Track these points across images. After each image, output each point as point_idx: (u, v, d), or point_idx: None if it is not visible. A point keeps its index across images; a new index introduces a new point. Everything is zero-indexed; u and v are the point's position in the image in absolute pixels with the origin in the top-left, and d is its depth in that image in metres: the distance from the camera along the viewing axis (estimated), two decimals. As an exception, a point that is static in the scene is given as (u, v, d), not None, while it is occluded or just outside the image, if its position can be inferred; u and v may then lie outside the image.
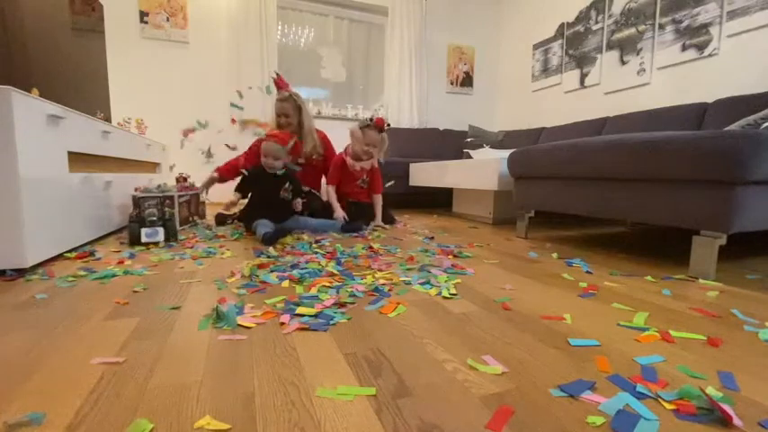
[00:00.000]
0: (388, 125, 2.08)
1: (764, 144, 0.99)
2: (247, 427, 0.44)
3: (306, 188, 1.93)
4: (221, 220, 2.10)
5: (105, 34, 2.17)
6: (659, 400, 0.50)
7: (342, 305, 0.84)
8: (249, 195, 1.87)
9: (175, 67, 3.13)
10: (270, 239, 1.50)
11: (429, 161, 2.91)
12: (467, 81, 4.11)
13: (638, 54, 2.66)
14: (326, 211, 2.01)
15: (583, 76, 3.11)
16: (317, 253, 1.36)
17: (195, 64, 3.18)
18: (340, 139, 2.29)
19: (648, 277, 1.12)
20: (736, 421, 0.45)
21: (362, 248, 1.45)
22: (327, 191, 2.09)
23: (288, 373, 0.56)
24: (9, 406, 0.47)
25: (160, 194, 1.65)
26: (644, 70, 2.63)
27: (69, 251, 1.36)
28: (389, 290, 0.95)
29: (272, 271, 1.11)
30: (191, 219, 1.99)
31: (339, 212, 1.97)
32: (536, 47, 3.60)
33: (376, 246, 1.50)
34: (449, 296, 0.91)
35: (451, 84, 4.05)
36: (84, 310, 0.81)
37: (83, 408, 0.47)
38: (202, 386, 0.52)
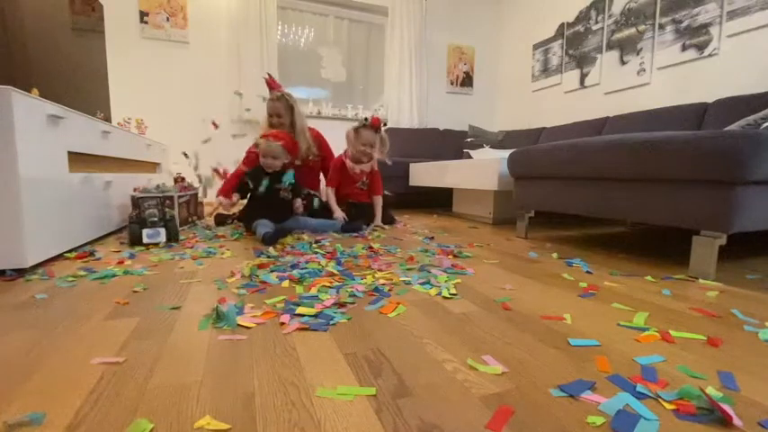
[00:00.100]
0: (384, 124, 2.07)
1: (764, 144, 0.99)
2: (247, 427, 0.44)
3: (305, 191, 1.92)
4: (221, 220, 2.10)
5: (105, 34, 2.18)
6: (659, 400, 0.50)
7: (342, 305, 0.84)
8: (249, 196, 1.87)
9: (175, 67, 3.13)
10: (270, 239, 1.50)
11: (429, 161, 2.91)
12: (467, 81, 4.11)
13: (638, 54, 2.66)
14: (326, 212, 2.01)
15: (583, 76, 3.11)
16: (317, 253, 1.36)
17: (195, 64, 3.18)
18: (340, 140, 2.28)
19: (648, 277, 1.12)
20: (736, 421, 0.45)
21: (362, 248, 1.45)
22: (327, 193, 2.08)
23: (288, 373, 0.56)
24: (9, 406, 0.47)
25: (160, 195, 1.64)
26: (644, 70, 2.63)
27: (69, 251, 1.36)
28: (389, 290, 0.95)
29: (272, 271, 1.11)
30: (190, 219, 1.99)
31: (339, 213, 1.97)
32: (536, 47, 3.59)
33: (376, 246, 1.50)
34: (449, 296, 0.91)
35: (451, 84, 4.05)
36: (84, 310, 0.81)
37: (83, 408, 0.47)
38: (202, 386, 0.52)
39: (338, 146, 2.29)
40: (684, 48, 2.37)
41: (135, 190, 1.66)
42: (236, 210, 2.04)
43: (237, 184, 1.85)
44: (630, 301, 0.90)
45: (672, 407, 0.48)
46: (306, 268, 1.14)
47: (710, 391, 0.51)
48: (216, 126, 2.36)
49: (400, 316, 0.79)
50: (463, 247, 1.55)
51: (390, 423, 0.45)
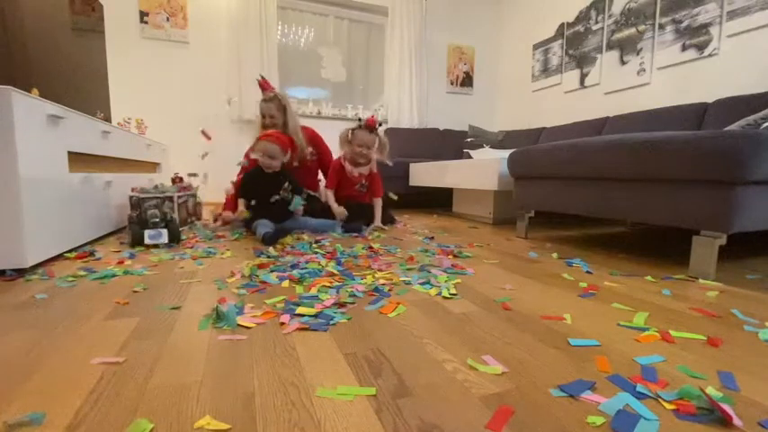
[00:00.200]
0: (380, 124, 2.02)
1: (764, 144, 0.99)
2: (247, 427, 0.44)
3: (305, 192, 1.92)
4: (216, 217, 2.10)
5: (105, 34, 2.18)
6: (659, 400, 0.50)
7: (342, 305, 0.84)
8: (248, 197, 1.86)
9: (175, 67, 3.13)
10: (270, 239, 1.50)
11: (429, 161, 2.91)
12: (467, 81, 4.11)
13: (638, 54, 2.66)
14: (326, 212, 2.01)
15: (583, 76, 3.11)
16: (317, 253, 1.36)
17: (195, 64, 3.18)
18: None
19: (648, 277, 1.12)
20: (736, 421, 0.45)
21: (362, 248, 1.45)
22: (326, 194, 2.07)
23: (288, 373, 0.56)
24: (9, 406, 0.47)
25: (160, 195, 1.63)
26: (644, 70, 2.63)
27: (69, 251, 1.36)
28: (389, 290, 0.95)
29: (272, 271, 1.11)
30: (189, 220, 1.98)
31: (339, 209, 1.96)
32: (536, 47, 3.59)
33: (376, 246, 1.50)
34: (449, 296, 0.91)
35: (451, 84, 4.05)
36: (84, 310, 0.81)
37: (83, 408, 0.47)
38: (202, 386, 0.52)
39: (338, 146, 2.28)
40: (684, 48, 2.37)
41: (133, 190, 1.63)
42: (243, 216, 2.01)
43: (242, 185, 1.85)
44: (630, 301, 0.90)
45: (672, 407, 0.48)
46: (306, 268, 1.14)
47: (710, 391, 0.51)
48: (208, 138, 2.34)
49: (400, 316, 0.79)
50: (463, 247, 1.55)
51: (390, 423, 0.45)
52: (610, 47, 2.86)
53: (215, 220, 2.08)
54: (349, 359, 0.60)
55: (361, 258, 1.30)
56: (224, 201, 2.03)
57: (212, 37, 3.20)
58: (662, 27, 2.50)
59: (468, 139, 3.46)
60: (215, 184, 3.11)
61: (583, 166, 1.41)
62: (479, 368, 0.58)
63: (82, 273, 1.10)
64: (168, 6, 3.06)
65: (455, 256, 1.37)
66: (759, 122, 1.46)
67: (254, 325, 0.73)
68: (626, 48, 2.74)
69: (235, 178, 2.10)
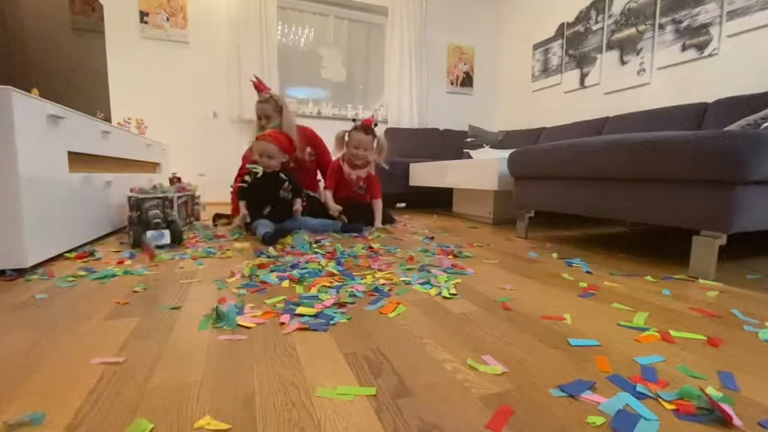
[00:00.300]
0: (376, 124, 1.99)
1: (764, 144, 0.99)
2: (247, 427, 0.44)
3: (304, 192, 1.92)
4: (220, 219, 2.10)
5: (105, 34, 2.18)
6: (659, 400, 0.50)
7: (342, 305, 0.84)
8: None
9: (175, 67, 3.14)
10: (270, 239, 1.50)
11: (429, 161, 2.91)
12: (467, 81, 4.11)
13: (638, 54, 2.66)
14: (325, 212, 2.00)
15: (583, 76, 3.11)
16: (317, 253, 1.36)
17: (195, 64, 3.18)
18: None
19: (648, 277, 1.12)
20: (736, 421, 0.45)
21: (362, 248, 1.45)
22: (325, 195, 2.05)
23: (288, 373, 0.56)
24: (9, 406, 0.47)
25: (161, 195, 1.62)
26: (644, 70, 2.63)
27: (69, 251, 1.36)
28: (389, 290, 0.95)
29: (272, 271, 1.11)
30: (188, 220, 1.97)
31: (333, 205, 1.93)
32: (536, 47, 3.60)
33: (376, 246, 1.50)
34: (449, 296, 0.91)
35: (451, 84, 4.06)
36: (84, 310, 0.81)
37: (83, 408, 0.47)
38: (202, 386, 0.52)
39: (333, 146, 2.27)
40: (684, 48, 2.37)
41: (132, 190, 1.61)
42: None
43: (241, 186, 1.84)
44: (630, 301, 0.90)
45: (672, 407, 0.48)
46: (306, 268, 1.14)
47: (710, 391, 0.51)
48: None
49: (400, 316, 0.79)
50: (463, 247, 1.55)
51: (390, 423, 0.45)
52: (610, 47, 2.87)
53: (214, 224, 2.08)
54: (349, 359, 0.60)
55: (361, 258, 1.30)
56: (231, 203, 2.01)
57: (212, 37, 3.20)
58: (662, 27, 2.50)
59: (469, 139, 3.46)
60: (215, 184, 3.12)
61: (583, 166, 1.41)
62: (479, 368, 0.58)
63: (82, 273, 1.09)
64: (168, 6, 3.06)
65: (455, 256, 1.37)
66: (759, 122, 1.46)
67: (254, 325, 0.73)
68: (626, 48, 2.74)
69: (234, 180, 2.10)
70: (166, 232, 1.46)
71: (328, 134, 2.32)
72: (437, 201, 3.16)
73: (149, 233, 1.43)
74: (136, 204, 1.54)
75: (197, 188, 2.15)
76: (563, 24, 3.28)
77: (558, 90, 3.38)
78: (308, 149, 2.15)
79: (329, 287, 0.96)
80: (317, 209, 1.99)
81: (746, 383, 0.54)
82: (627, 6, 2.72)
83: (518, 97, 3.90)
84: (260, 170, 1.75)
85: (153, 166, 2.52)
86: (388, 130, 3.67)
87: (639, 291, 0.99)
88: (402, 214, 2.76)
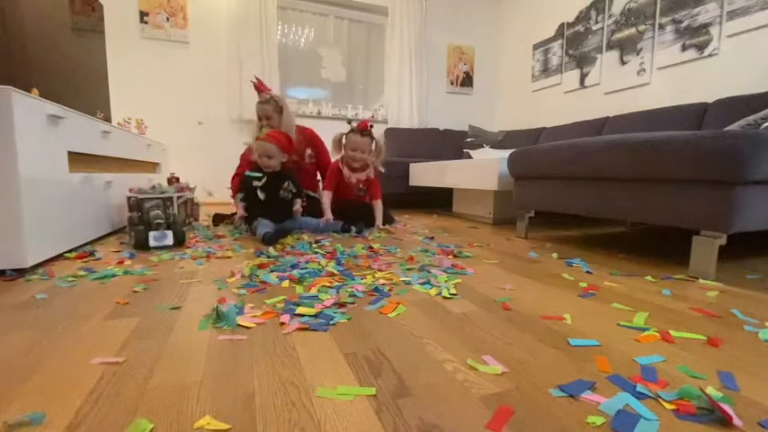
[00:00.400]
0: (371, 126, 1.95)
1: (764, 144, 0.99)
2: (247, 427, 0.44)
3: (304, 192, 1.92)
4: (219, 220, 2.10)
5: (105, 34, 2.18)
6: (659, 400, 0.50)
7: (342, 305, 0.84)
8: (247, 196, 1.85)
9: (175, 67, 3.14)
10: (270, 239, 1.50)
11: (429, 161, 2.91)
12: (467, 81, 4.11)
13: (638, 54, 2.66)
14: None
15: (583, 76, 3.11)
16: (317, 253, 1.36)
17: (195, 64, 3.18)
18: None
19: (648, 277, 1.12)
20: (736, 421, 0.45)
21: (362, 248, 1.45)
22: (323, 196, 2.02)
23: (288, 373, 0.56)
24: (9, 406, 0.47)
25: (161, 196, 1.60)
26: (644, 70, 2.63)
27: (69, 251, 1.36)
28: (389, 290, 0.95)
29: (272, 271, 1.11)
30: (187, 221, 1.97)
31: (328, 215, 1.89)
32: (536, 47, 3.60)
33: (376, 246, 1.50)
34: (449, 296, 0.91)
35: (451, 84, 4.06)
36: (84, 310, 0.81)
37: (83, 408, 0.47)
38: (202, 386, 0.52)
39: (331, 149, 2.25)
40: (684, 48, 2.37)
41: (130, 191, 1.58)
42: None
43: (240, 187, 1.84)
44: (630, 301, 0.90)
45: (672, 407, 0.48)
46: (306, 268, 1.14)
47: (710, 391, 0.51)
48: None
49: (400, 316, 0.79)
50: (463, 247, 1.55)
51: (390, 423, 0.45)
52: (610, 47, 2.87)
53: (215, 223, 2.08)
54: (349, 359, 0.60)
55: (361, 258, 1.30)
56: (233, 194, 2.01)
57: (212, 37, 3.20)
58: (662, 27, 2.50)
59: (469, 139, 3.46)
60: (214, 184, 3.12)
61: (583, 166, 1.41)
62: (479, 368, 0.58)
63: (82, 273, 1.09)
64: (168, 6, 3.06)
65: (455, 256, 1.37)
66: (759, 122, 1.46)
67: (254, 325, 0.73)
68: (626, 48, 2.74)
69: (232, 179, 2.10)
70: (169, 233, 1.45)
71: (328, 134, 2.31)
72: (437, 201, 3.16)
73: (152, 234, 1.42)
74: (136, 205, 1.52)
75: (195, 188, 2.15)
76: (563, 24, 3.28)
77: (558, 90, 3.38)
78: (309, 151, 2.15)
79: (329, 287, 0.96)
80: (317, 209, 1.99)
81: (746, 383, 0.54)
82: (627, 6, 2.72)
83: (518, 97, 3.90)
84: (261, 178, 1.75)
85: (153, 166, 2.52)
86: (388, 130, 3.68)
87: (639, 291, 0.99)
88: (402, 214, 2.76)
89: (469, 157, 2.89)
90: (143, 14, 3.01)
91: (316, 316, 0.77)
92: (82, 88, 1.84)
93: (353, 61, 3.76)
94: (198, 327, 0.72)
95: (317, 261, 1.23)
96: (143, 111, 2.91)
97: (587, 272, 1.18)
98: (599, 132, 2.58)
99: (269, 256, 1.30)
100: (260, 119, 2.02)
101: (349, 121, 1.97)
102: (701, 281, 1.09)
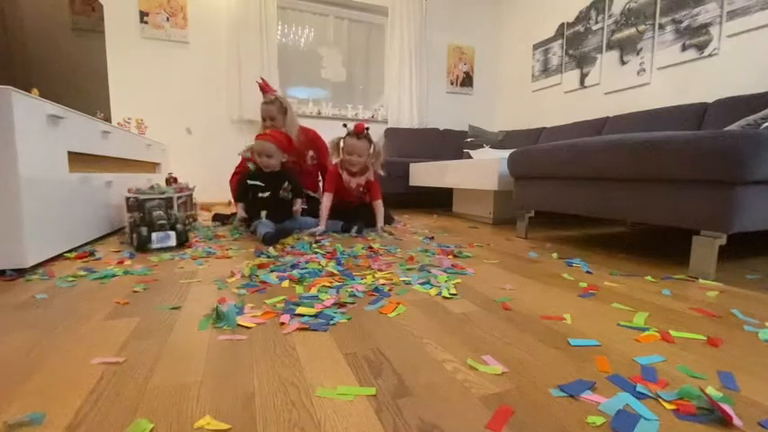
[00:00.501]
0: (367, 128, 1.90)
1: (764, 144, 0.99)
2: (247, 427, 0.44)
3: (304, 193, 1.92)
4: (219, 220, 2.10)
5: (105, 34, 2.18)
6: (659, 400, 0.50)
7: (342, 305, 0.84)
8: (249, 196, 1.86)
9: (175, 67, 3.13)
10: (270, 240, 1.50)
11: (429, 161, 2.91)
12: (467, 81, 4.11)
13: (638, 54, 2.66)
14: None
15: (583, 76, 3.11)
16: (317, 253, 1.36)
17: (195, 64, 3.18)
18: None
19: (648, 277, 1.12)
20: (736, 421, 0.45)
21: (362, 248, 1.45)
22: (323, 198, 2.01)
23: (288, 373, 0.56)
24: (9, 406, 0.47)
25: (163, 196, 1.59)
26: (644, 70, 2.63)
27: (69, 251, 1.36)
28: (389, 290, 0.95)
29: (272, 271, 1.11)
30: (187, 221, 1.97)
31: (321, 226, 1.83)
32: (536, 47, 3.59)
33: (376, 246, 1.50)
34: (449, 296, 0.91)
35: (451, 84, 4.05)
36: (84, 310, 0.81)
37: (83, 408, 0.47)
38: (202, 386, 0.52)
39: (330, 152, 2.24)
40: (684, 48, 2.37)
41: (129, 191, 1.55)
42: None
43: (240, 188, 1.83)
44: (630, 301, 0.90)
45: (672, 407, 0.48)
46: (306, 268, 1.14)
47: (710, 391, 0.51)
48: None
49: (400, 316, 0.79)
50: (463, 247, 1.55)
51: (390, 423, 0.45)
52: (610, 47, 2.86)
53: (214, 222, 2.08)
54: (349, 359, 0.60)
55: (361, 258, 1.30)
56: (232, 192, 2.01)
57: (212, 37, 3.20)
58: (662, 27, 2.50)
59: (469, 139, 3.46)
60: (214, 184, 3.12)
61: (583, 166, 1.41)
62: (479, 368, 0.58)
63: (82, 273, 1.10)
64: (168, 6, 3.06)
65: (455, 256, 1.37)
66: (759, 122, 1.46)
67: (254, 325, 0.73)
68: (626, 48, 2.74)
69: (231, 177, 2.10)
70: (172, 234, 1.42)
71: (328, 134, 2.32)
72: (437, 201, 3.16)
73: (155, 235, 1.40)
74: (137, 205, 1.50)
75: (194, 189, 2.15)
76: (563, 24, 3.28)
77: (558, 90, 3.38)
78: (311, 152, 2.15)
79: (329, 287, 0.96)
80: (317, 209, 1.99)
81: (746, 383, 0.54)
82: (627, 6, 2.72)
83: (518, 97, 3.90)
84: (264, 188, 1.74)
85: (153, 166, 2.52)
86: (388, 130, 3.68)
87: (639, 291, 0.99)
88: (402, 214, 2.76)
89: (469, 157, 2.88)
90: (143, 14, 3.00)
91: (316, 316, 0.77)
92: (82, 88, 1.84)
93: (353, 61, 3.76)
94: (198, 327, 0.72)
95: (317, 261, 1.23)
96: (143, 111, 2.91)
97: (587, 272, 1.18)
98: (599, 132, 2.58)
99: (269, 256, 1.30)
100: (264, 119, 2.03)
101: (345, 125, 1.92)
102: (701, 281, 1.09)
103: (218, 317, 0.75)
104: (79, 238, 1.41)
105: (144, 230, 1.39)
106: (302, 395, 0.50)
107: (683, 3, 2.36)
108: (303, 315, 0.77)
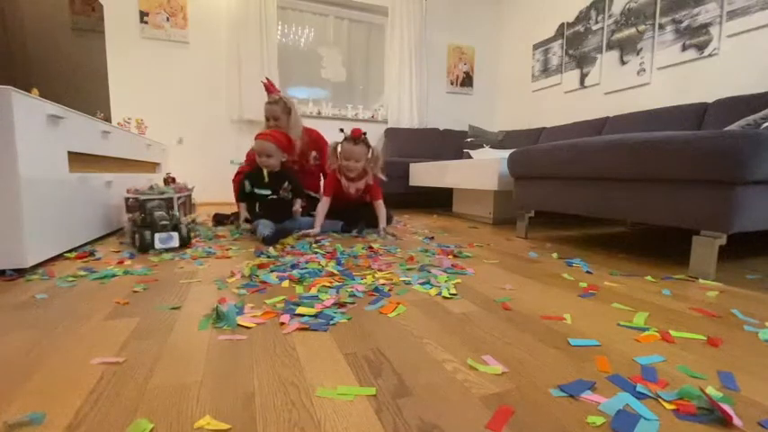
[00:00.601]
0: (364, 133, 1.86)
1: (764, 144, 0.99)
2: (247, 427, 0.44)
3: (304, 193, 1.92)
4: (219, 220, 2.10)
5: (105, 34, 2.18)
6: (659, 400, 0.50)
7: (342, 305, 0.84)
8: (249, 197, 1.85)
9: (175, 67, 3.13)
10: (270, 240, 1.50)
11: (429, 161, 2.91)
12: (467, 81, 4.11)
13: (638, 54, 2.66)
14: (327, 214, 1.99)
15: (583, 76, 3.11)
16: (317, 253, 1.36)
17: (195, 64, 3.18)
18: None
19: (648, 277, 1.12)
20: (736, 421, 0.45)
21: (362, 248, 1.45)
22: (321, 202, 1.95)
23: (288, 373, 0.56)
24: (9, 406, 0.47)
25: (164, 196, 1.59)
26: (644, 70, 2.63)
27: (69, 251, 1.36)
28: (389, 290, 0.95)
29: (272, 271, 1.11)
30: (188, 221, 1.97)
31: (315, 230, 1.79)
32: (536, 47, 3.60)
33: (376, 246, 1.50)
34: (449, 296, 0.91)
35: (451, 84, 4.05)
36: (84, 310, 0.81)
37: (83, 408, 0.47)
38: (202, 386, 0.52)
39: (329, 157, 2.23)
40: (684, 48, 2.37)
41: (128, 191, 1.53)
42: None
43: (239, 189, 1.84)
44: (630, 301, 0.90)
45: (672, 407, 0.48)
46: (306, 268, 1.14)
47: (710, 391, 0.51)
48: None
49: (400, 316, 0.79)
50: (463, 247, 1.55)
51: (390, 423, 0.45)
52: (610, 47, 2.87)
53: (214, 223, 2.08)
54: (349, 359, 0.60)
55: (361, 258, 1.30)
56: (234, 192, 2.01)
57: (212, 37, 3.20)
58: (662, 27, 2.50)
59: (469, 139, 3.46)
60: (214, 184, 3.13)
61: (583, 166, 1.41)
62: (479, 368, 0.58)
63: (82, 273, 1.09)
64: (168, 6, 3.06)
65: (455, 256, 1.37)
66: (759, 122, 1.46)
67: (254, 325, 0.73)
68: (626, 48, 2.74)
69: (234, 177, 2.10)
70: (175, 234, 1.40)
71: (328, 134, 2.31)
72: (437, 201, 3.16)
73: (158, 236, 1.38)
74: (137, 205, 1.49)
75: (193, 189, 2.15)
76: (563, 24, 3.28)
77: (558, 90, 3.38)
78: (314, 153, 2.15)
79: (329, 287, 0.96)
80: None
81: (746, 383, 0.54)
82: (627, 6, 2.72)
83: (518, 97, 3.90)
84: (268, 196, 1.75)
85: (153, 166, 2.52)
86: (388, 130, 3.68)
87: (639, 291, 0.99)
88: (402, 214, 2.76)
89: (469, 157, 2.88)
90: (143, 14, 3.01)
91: (316, 316, 0.77)
92: (82, 88, 1.84)
93: (353, 61, 3.76)
94: (198, 327, 0.72)
95: (317, 261, 1.23)
96: (143, 111, 2.91)
97: (587, 272, 1.18)
98: (599, 132, 2.58)
99: (269, 256, 1.30)
100: (268, 119, 2.03)
101: (341, 130, 1.90)
102: (701, 281, 1.09)
103: (219, 317, 0.75)
104: (79, 238, 1.41)
105: (147, 234, 1.37)
106: (302, 395, 0.50)
107: (683, 3, 2.36)
108: (303, 315, 0.77)
